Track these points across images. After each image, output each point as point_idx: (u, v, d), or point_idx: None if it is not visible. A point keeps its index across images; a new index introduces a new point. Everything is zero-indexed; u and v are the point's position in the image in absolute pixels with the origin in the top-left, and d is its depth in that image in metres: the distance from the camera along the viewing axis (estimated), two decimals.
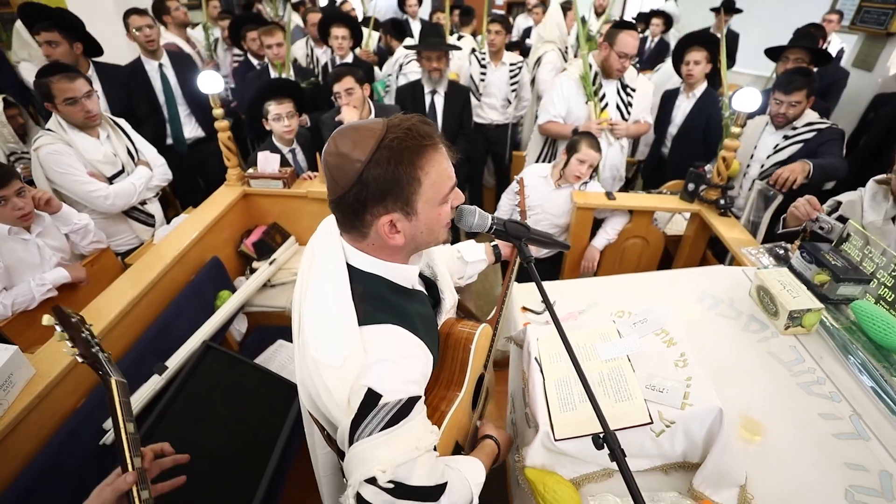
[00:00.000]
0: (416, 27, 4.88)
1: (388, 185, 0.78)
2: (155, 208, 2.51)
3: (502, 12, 5.41)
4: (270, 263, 2.40)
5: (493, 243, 1.39)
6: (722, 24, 4.41)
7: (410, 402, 0.80)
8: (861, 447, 1.12)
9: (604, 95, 2.75)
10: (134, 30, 2.99)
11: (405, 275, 0.92)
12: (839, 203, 1.89)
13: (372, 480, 0.75)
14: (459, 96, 3.14)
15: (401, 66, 3.74)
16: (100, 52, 2.88)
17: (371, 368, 0.79)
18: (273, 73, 3.22)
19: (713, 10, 4.59)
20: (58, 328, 0.91)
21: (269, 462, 1.60)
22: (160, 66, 3.08)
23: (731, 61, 4.25)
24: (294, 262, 2.51)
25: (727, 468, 1.02)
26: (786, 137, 2.40)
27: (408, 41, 3.87)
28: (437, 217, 0.85)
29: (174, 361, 1.73)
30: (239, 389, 1.75)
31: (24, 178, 1.96)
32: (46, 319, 0.90)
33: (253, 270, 2.44)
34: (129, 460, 0.87)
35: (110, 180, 2.25)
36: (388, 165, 0.77)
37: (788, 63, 2.79)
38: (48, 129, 2.14)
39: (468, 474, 0.92)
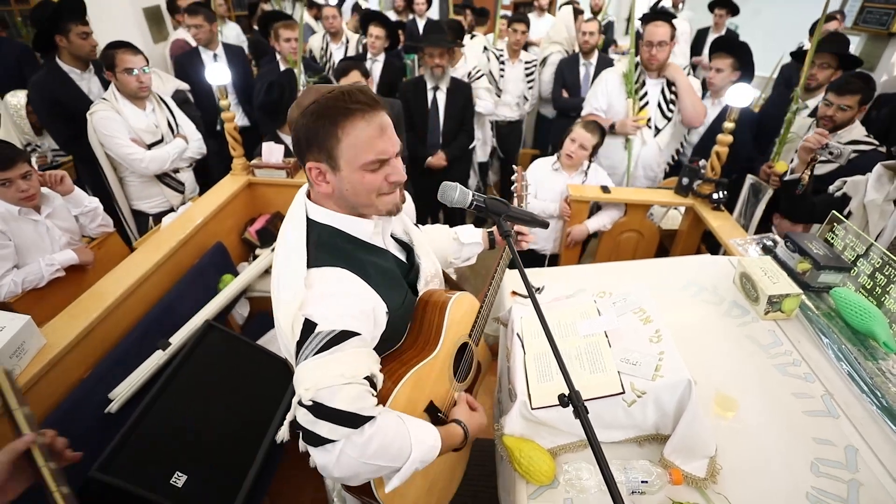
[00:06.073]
0: (422, 25, 4.97)
1: (310, 134, 0.91)
2: (186, 177, 2.72)
3: (509, 12, 5.46)
4: (273, 250, 2.47)
5: (489, 230, 1.47)
6: (720, 22, 4.43)
7: (344, 335, 0.88)
8: (830, 424, 1.16)
9: (645, 94, 2.75)
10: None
11: (360, 228, 1.02)
12: (844, 182, 1.96)
13: (301, 402, 0.84)
14: (461, 93, 3.18)
15: None
16: None
17: (311, 301, 0.90)
18: (282, 66, 3.31)
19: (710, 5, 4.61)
20: None
21: (265, 436, 1.67)
22: (214, 56, 3.44)
23: None
24: None
25: (696, 439, 1.06)
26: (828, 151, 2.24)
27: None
28: (360, 180, 0.94)
29: (177, 338, 1.80)
30: (238, 367, 1.81)
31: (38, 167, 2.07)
32: None
33: (256, 257, 2.52)
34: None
35: (149, 147, 2.48)
36: (311, 117, 0.89)
37: (814, 67, 2.69)
38: (104, 98, 2.41)
39: (413, 429, 0.94)
